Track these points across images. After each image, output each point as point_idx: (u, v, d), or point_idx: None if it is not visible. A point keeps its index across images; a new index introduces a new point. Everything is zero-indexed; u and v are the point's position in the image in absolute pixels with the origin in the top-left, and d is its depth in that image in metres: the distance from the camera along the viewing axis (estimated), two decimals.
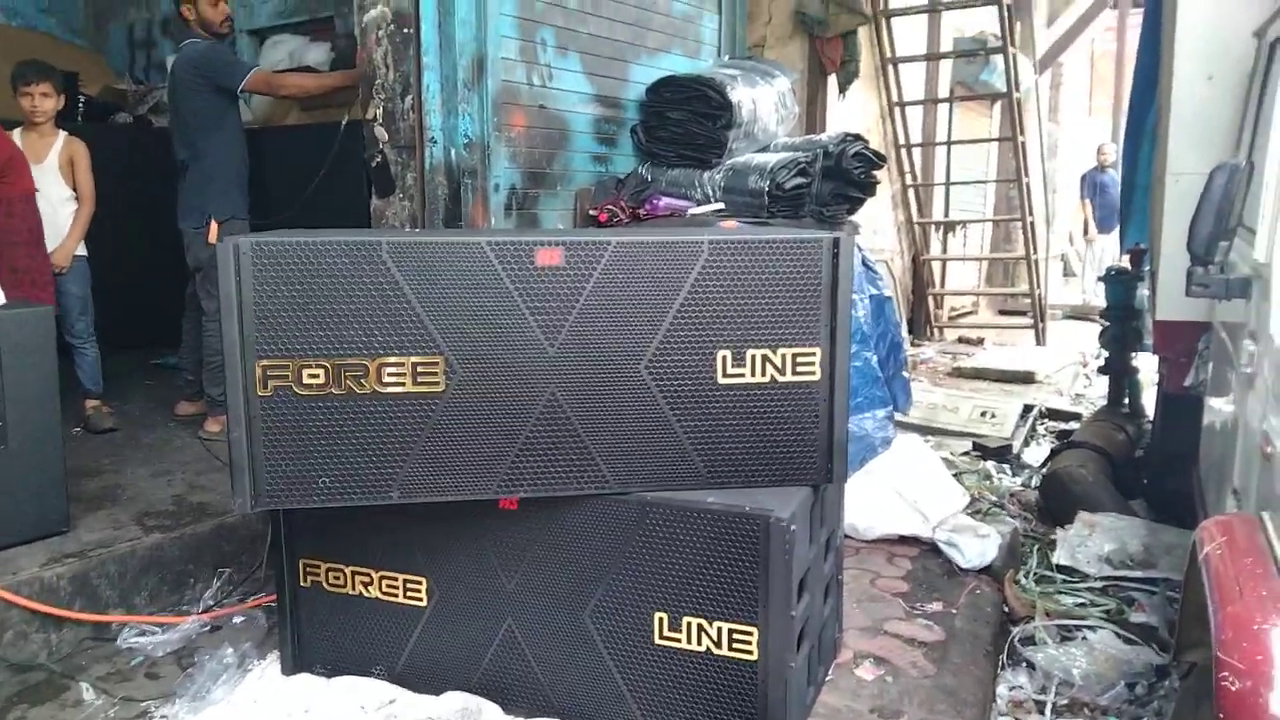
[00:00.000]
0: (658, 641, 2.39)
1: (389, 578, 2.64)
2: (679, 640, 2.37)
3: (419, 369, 2.32)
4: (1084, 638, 3.22)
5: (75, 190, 4.57)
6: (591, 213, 4.68)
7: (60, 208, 4.48)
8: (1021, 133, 8.96)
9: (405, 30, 3.89)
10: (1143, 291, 5.43)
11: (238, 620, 3.16)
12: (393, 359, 2.31)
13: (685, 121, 4.84)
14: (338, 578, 2.68)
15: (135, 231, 5.14)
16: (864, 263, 4.43)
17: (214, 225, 4.47)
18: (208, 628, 3.11)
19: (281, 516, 2.68)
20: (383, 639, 2.67)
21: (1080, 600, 3.51)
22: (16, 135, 4.38)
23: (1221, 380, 3.12)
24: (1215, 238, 2.65)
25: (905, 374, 4.94)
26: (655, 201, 4.70)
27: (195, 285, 4.69)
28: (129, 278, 5.63)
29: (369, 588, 2.66)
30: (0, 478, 3.10)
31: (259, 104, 6.54)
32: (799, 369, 2.44)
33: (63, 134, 4.59)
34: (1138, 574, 3.60)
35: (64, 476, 3.32)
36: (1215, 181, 2.63)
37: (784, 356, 2.43)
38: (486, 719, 2.45)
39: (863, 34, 7.33)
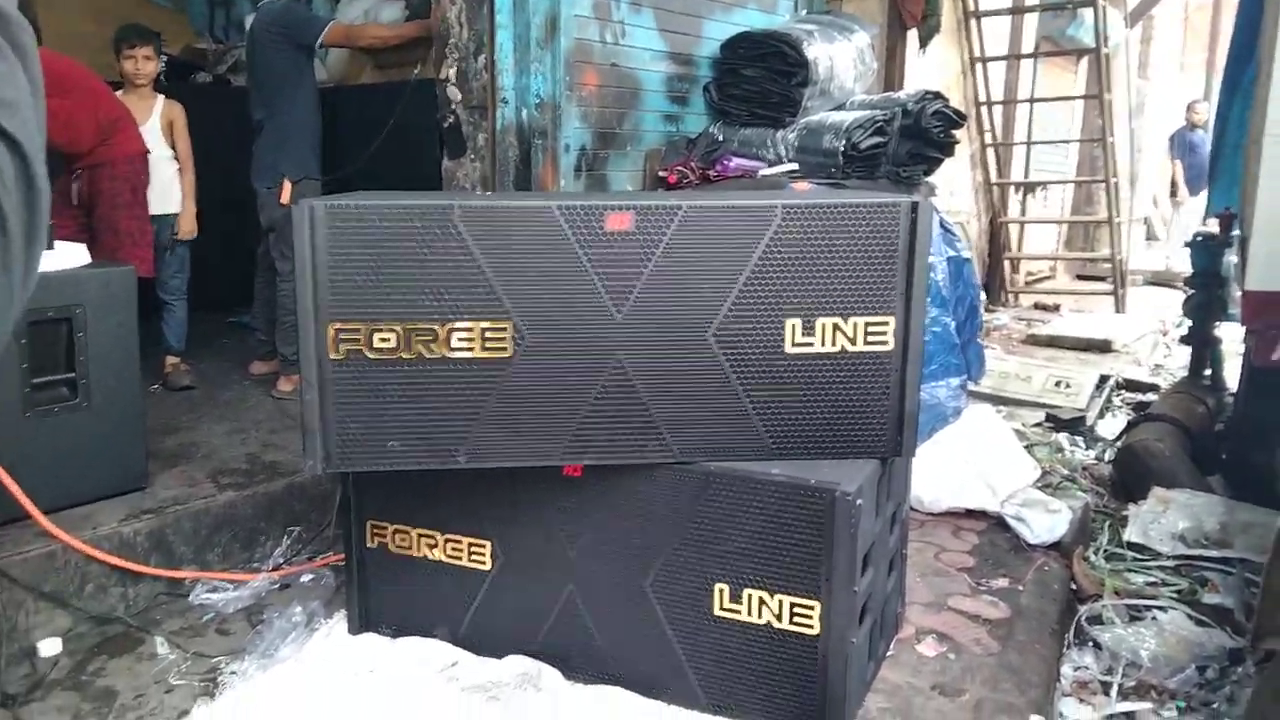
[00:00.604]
0: (718, 613, 2.39)
1: (454, 540, 2.67)
2: (739, 612, 2.37)
3: (487, 334, 2.32)
4: (1154, 618, 3.15)
5: (175, 151, 4.69)
6: (661, 174, 4.63)
7: (162, 168, 4.62)
8: (1108, 90, 8.65)
9: None
10: (1230, 259, 5.22)
11: (306, 579, 3.24)
12: (462, 324, 2.31)
13: (759, 79, 4.75)
14: (404, 539, 2.72)
15: (214, 190, 5.22)
16: (941, 224, 4.32)
17: (287, 185, 4.53)
18: (277, 585, 3.19)
19: (350, 478, 2.72)
20: (447, 601, 2.70)
21: (1151, 579, 3.42)
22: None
23: None
24: None
25: (980, 340, 4.84)
26: (726, 162, 4.64)
27: (268, 244, 4.76)
28: (207, 236, 5.74)
29: (434, 550, 2.69)
30: (82, 435, 3.20)
31: (334, 63, 6.59)
32: (871, 338, 2.39)
33: (161, 97, 4.72)
34: (1213, 553, 3.50)
35: (144, 434, 3.42)
36: None
37: (855, 325, 2.38)
38: (546, 683, 2.48)
39: None
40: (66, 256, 3.27)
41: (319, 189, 4.65)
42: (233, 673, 2.65)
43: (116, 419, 3.29)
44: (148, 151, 4.45)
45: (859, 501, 2.25)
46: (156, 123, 4.64)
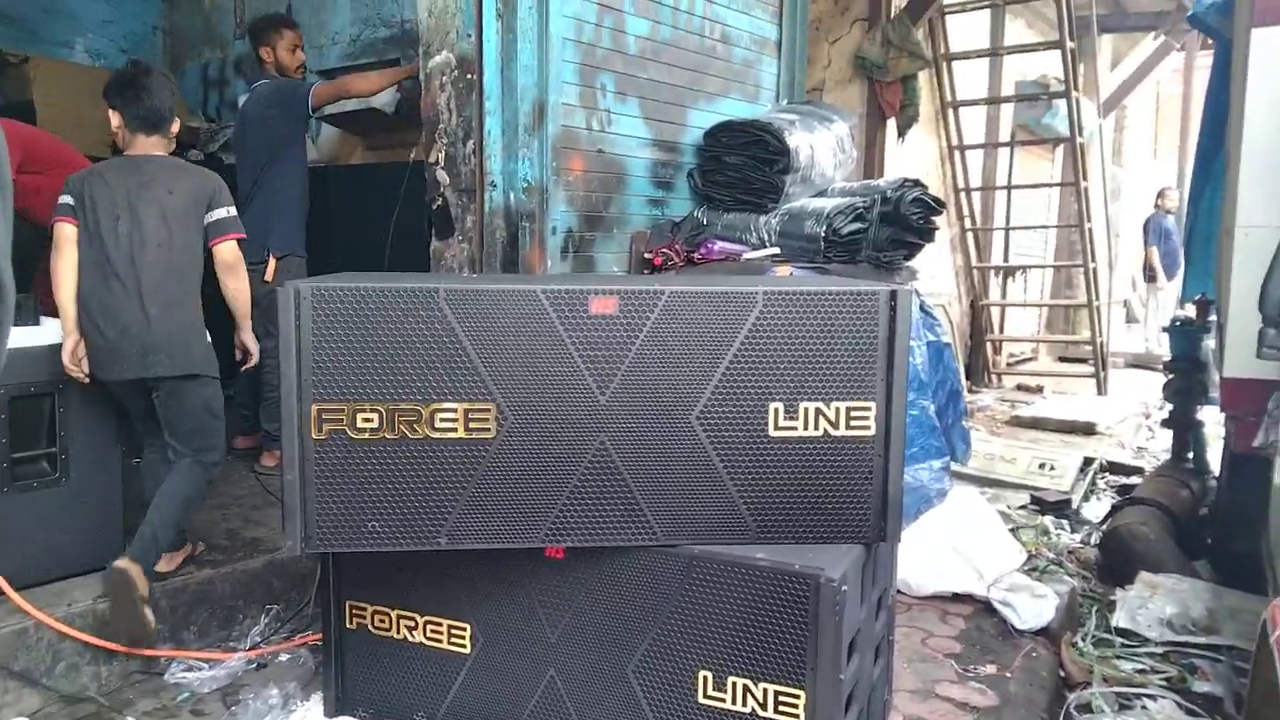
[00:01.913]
0: (701, 701, 2.36)
1: (434, 622, 2.64)
2: (723, 700, 2.33)
3: (471, 415, 2.33)
4: (1144, 707, 3.11)
5: None
6: (646, 256, 4.69)
7: None
8: (1085, 177, 8.84)
9: (469, 76, 3.96)
10: (1208, 343, 5.29)
11: (284, 658, 3.18)
12: (446, 405, 2.32)
13: (742, 166, 4.85)
14: (383, 621, 2.69)
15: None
16: (921, 308, 4.38)
17: (272, 261, 4.55)
18: (254, 665, 3.13)
19: (330, 557, 2.69)
20: (426, 684, 2.66)
21: (1140, 666, 3.39)
22: None
23: None
24: None
25: (965, 423, 4.86)
26: (710, 245, 4.71)
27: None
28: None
29: (413, 632, 2.65)
30: (58, 510, 3.16)
31: (325, 142, 6.69)
32: (853, 423, 2.40)
33: None
34: (1201, 640, 3.48)
35: (121, 510, 3.38)
36: None
37: (838, 410, 2.40)
38: None
39: (923, 78, 7.31)
40: (51, 332, 3.27)
41: (304, 266, 4.67)
42: None
43: (95, 494, 3.26)
44: None
45: (844, 587, 2.24)
46: None
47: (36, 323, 3.26)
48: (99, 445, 3.28)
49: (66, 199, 3.19)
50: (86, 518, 3.23)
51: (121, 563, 2.96)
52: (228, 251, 3.34)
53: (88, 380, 3.17)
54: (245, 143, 4.78)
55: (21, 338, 3.16)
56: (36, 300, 3.34)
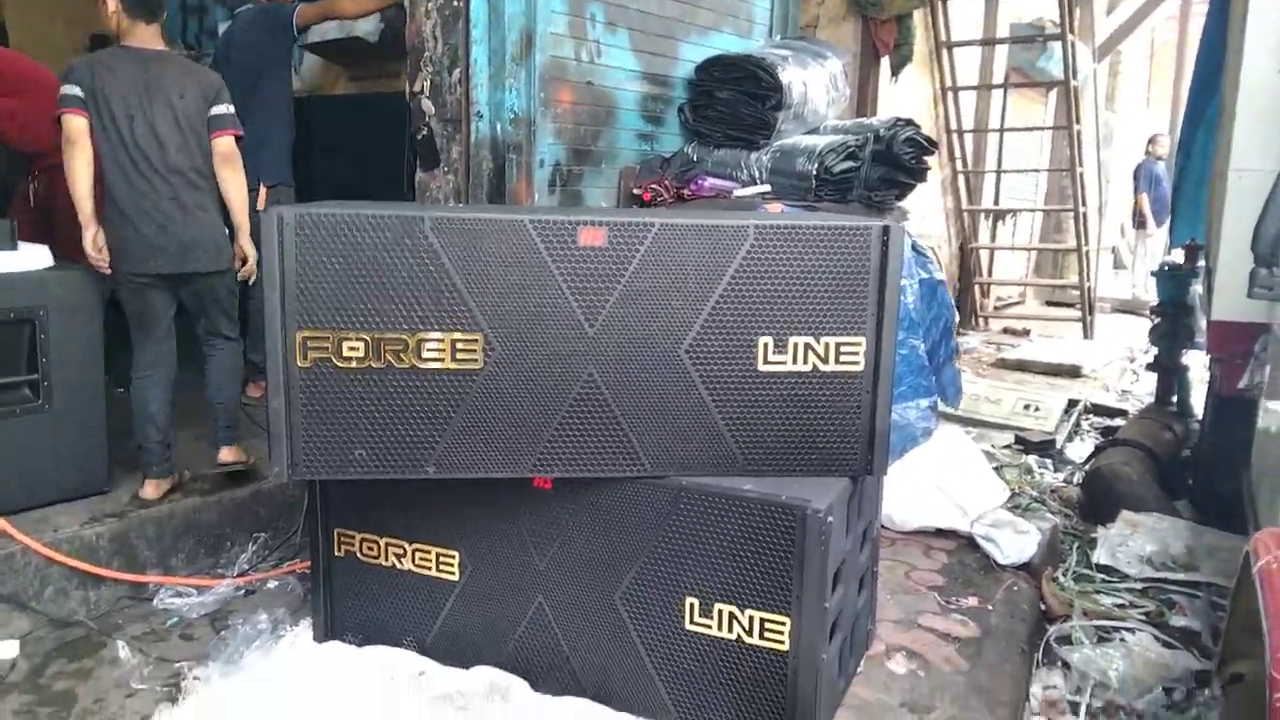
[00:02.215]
0: (688, 627, 2.38)
1: (422, 550, 2.65)
2: (710, 627, 2.36)
3: (458, 345, 2.31)
4: (1122, 639, 3.16)
5: None
6: (635, 191, 4.64)
7: None
8: (1077, 121, 8.78)
9: (455, 3, 3.87)
10: (1196, 288, 5.31)
11: (272, 585, 3.20)
12: (433, 334, 2.30)
13: (734, 101, 4.78)
14: (371, 548, 2.69)
15: None
16: (914, 247, 4.35)
17: (264, 190, 4.48)
18: (242, 592, 3.15)
19: (318, 486, 2.69)
20: (414, 611, 2.68)
21: (1119, 601, 3.44)
22: None
23: None
24: None
25: (955, 364, 4.87)
26: (700, 182, 4.66)
27: None
28: None
29: (402, 559, 2.66)
30: (42, 437, 3.15)
31: (308, 72, 6.57)
32: (842, 358, 2.40)
33: None
34: (1180, 576, 3.53)
35: (106, 437, 3.37)
36: None
37: (827, 345, 2.39)
38: (514, 695, 2.45)
39: (917, 17, 7.21)
40: (29, 258, 3.23)
41: (293, 196, 4.62)
42: (196, 678, 2.61)
43: (79, 421, 3.25)
44: None
45: (830, 519, 2.25)
46: None
47: (14, 247, 3.21)
48: (82, 371, 3.26)
49: (74, 90, 3.17)
50: (70, 444, 3.22)
51: (226, 454, 3.55)
52: (226, 144, 3.43)
53: (109, 272, 3.27)
54: (230, 69, 4.66)
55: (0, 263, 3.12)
56: (14, 224, 3.28)
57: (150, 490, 3.33)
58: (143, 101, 3.22)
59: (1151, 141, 12.01)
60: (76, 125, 3.15)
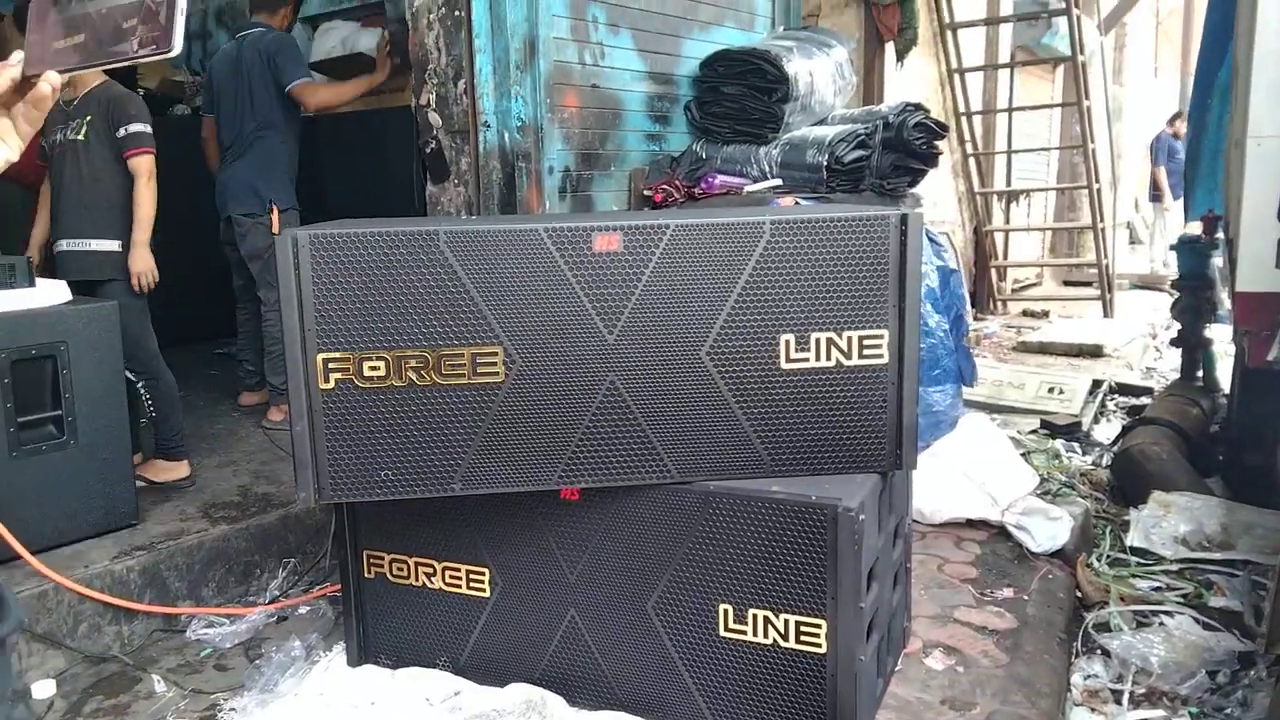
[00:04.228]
0: (723, 634, 2.35)
1: (452, 568, 2.63)
2: (745, 633, 2.33)
3: (478, 359, 2.30)
4: (1161, 623, 3.12)
5: None
6: (646, 193, 4.62)
7: None
8: (1086, 97, 8.70)
9: (457, 13, 3.86)
10: (1216, 260, 5.24)
11: (303, 610, 3.19)
12: (452, 350, 2.28)
13: (740, 96, 4.75)
14: (401, 569, 2.68)
15: (198, 221, 5.20)
16: (927, 234, 4.31)
17: (276, 213, 4.49)
18: (274, 618, 3.14)
19: (345, 508, 2.68)
20: (446, 630, 2.66)
21: (1156, 584, 3.40)
22: None
23: None
24: None
25: (966, 344, 4.82)
26: (710, 180, 4.63)
27: (245, 275, 4.72)
28: (192, 267, 5.71)
29: (432, 579, 2.65)
30: (69, 473, 3.15)
31: None
32: (866, 352, 2.36)
33: None
34: (1217, 556, 3.49)
35: (132, 470, 3.38)
36: None
37: (850, 339, 2.36)
38: (551, 711, 2.43)
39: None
40: (48, 294, 3.23)
41: (299, 220, 4.63)
42: (232, 709, 2.60)
43: (104, 455, 3.25)
44: None
45: (862, 517, 2.22)
46: None
47: (33, 284, 3.22)
48: (105, 405, 3.26)
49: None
50: (97, 478, 3.22)
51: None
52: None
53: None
54: (235, 90, 4.64)
55: (19, 300, 3.12)
56: (30, 261, 3.29)
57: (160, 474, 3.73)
58: None
59: (1171, 121, 11.88)
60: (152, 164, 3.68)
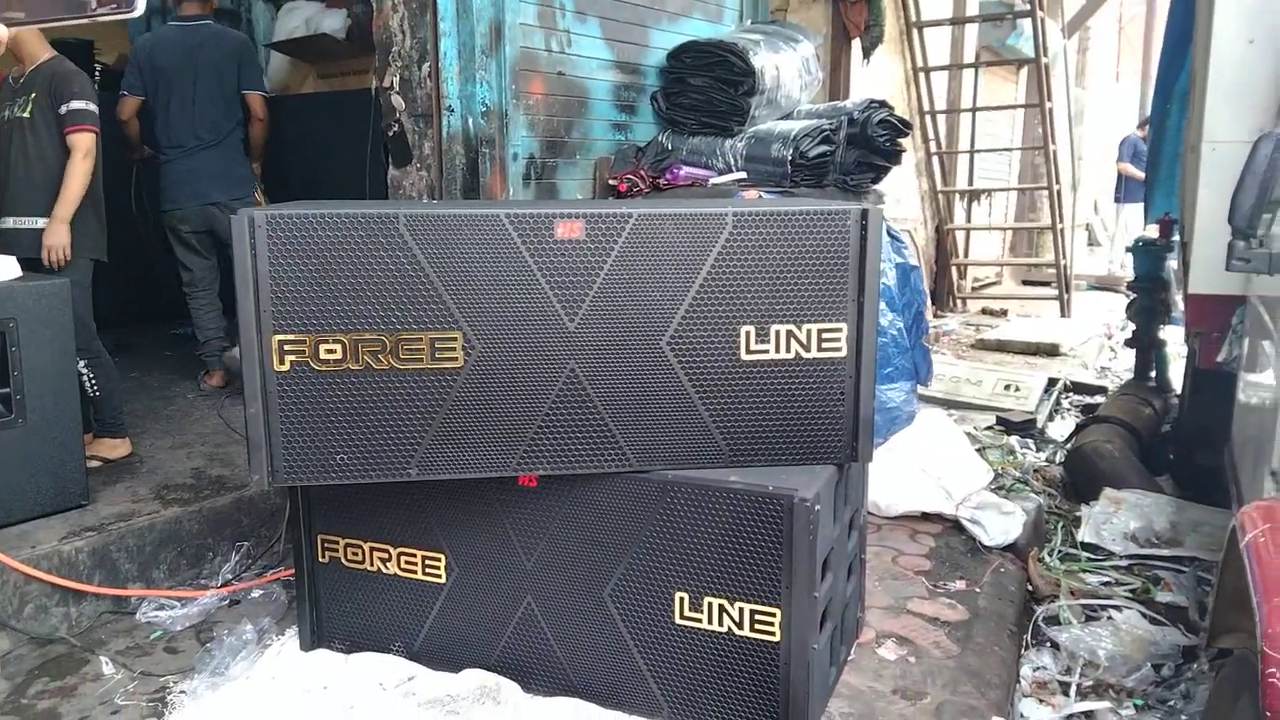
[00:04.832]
0: (678, 621, 2.36)
1: (407, 554, 2.62)
2: (700, 620, 2.34)
3: (437, 344, 2.28)
4: (1109, 617, 3.18)
5: None
6: (611, 182, 4.61)
7: None
8: (1049, 99, 8.80)
9: None
10: (1171, 263, 5.33)
11: (256, 594, 3.15)
12: (411, 334, 2.27)
13: (706, 88, 4.76)
14: (356, 553, 2.66)
15: (151, 202, 5.13)
16: (888, 231, 4.35)
17: (261, 194, 4.75)
18: (226, 602, 3.10)
19: (300, 492, 2.66)
20: (401, 615, 2.65)
21: (1105, 579, 3.46)
22: None
23: (1259, 356, 3.05)
24: (1258, 210, 2.55)
25: (925, 344, 4.88)
26: (676, 171, 4.63)
27: (203, 261, 4.78)
28: (148, 249, 5.62)
29: (387, 564, 2.63)
30: (18, 452, 3.09)
31: (276, 72, 6.49)
32: (824, 345, 2.38)
33: None
34: (1165, 552, 3.55)
35: (82, 450, 3.32)
36: (1260, 152, 2.53)
37: (809, 332, 2.37)
38: (505, 697, 2.43)
39: None
40: None
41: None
42: (182, 692, 2.57)
43: (54, 434, 3.19)
44: None
45: (817, 507, 2.24)
46: None
47: None
48: (56, 383, 3.20)
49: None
50: (46, 458, 3.16)
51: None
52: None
53: None
54: (196, 83, 4.64)
55: None
56: None
57: (109, 449, 3.75)
58: None
59: (1141, 126, 12.05)
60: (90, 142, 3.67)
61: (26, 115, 3.60)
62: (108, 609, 3.03)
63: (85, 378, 3.56)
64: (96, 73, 5.65)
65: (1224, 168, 3.43)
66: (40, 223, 3.59)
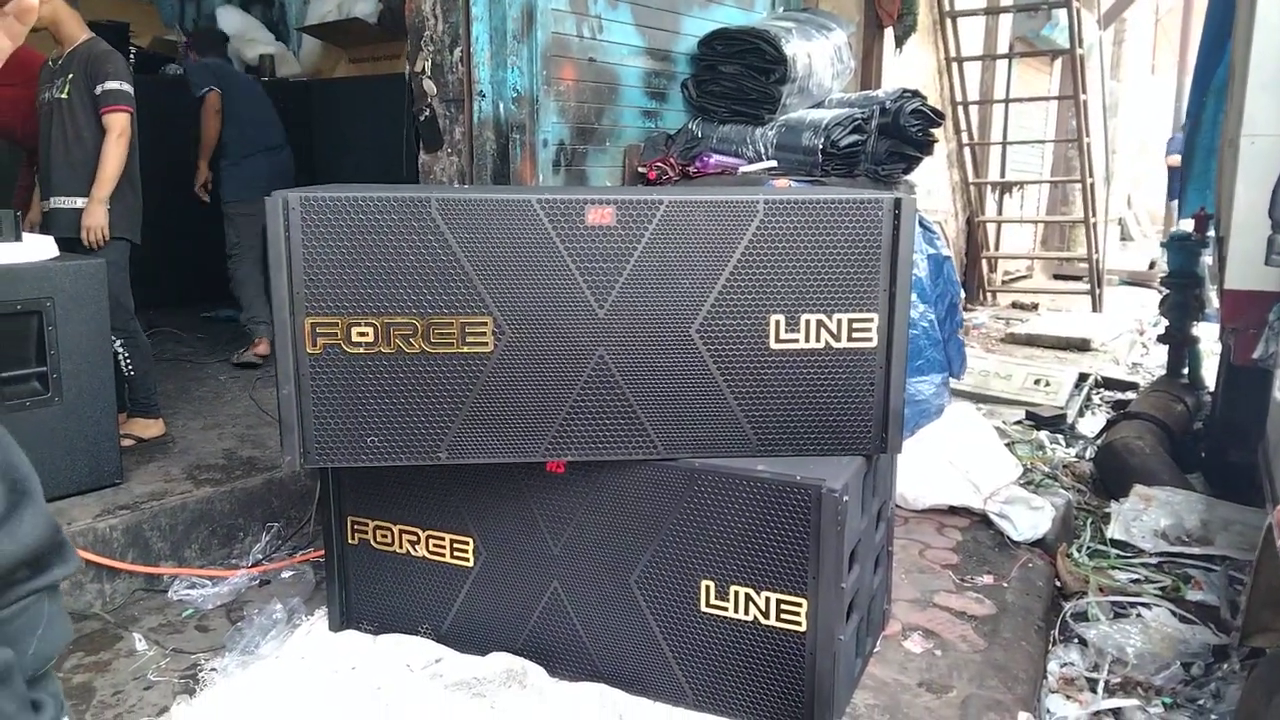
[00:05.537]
0: (704, 609, 2.36)
1: (436, 537, 2.63)
2: (726, 609, 2.34)
3: (467, 329, 2.29)
4: (1138, 615, 3.15)
5: None
6: (640, 170, 4.60)
7: None
8: (1083, 91, 8.69)
9: None
10: (1205, 258, 5.26)
11: (286, 575, 3.18)
12: (442, 318, 2.27)
13: (738, 76, 4.73)
14: (385, 536, 2.68)
15: (189, 185, 5.19)
16: (921, 222, 4.31)
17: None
18: (256, 581, 3.14)
19: (330, 474, 2.68)
20: (429, 598, 2.67)
21: (1135, 576, 3.43)
22: None
23: None
24: None
25: (960, 337, 4.84)
26: (705, 159, 4.62)
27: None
28: (182, 232, 5.67)
29: (416, 547, 2.65)
30: (54, 430, 3.13)
31: (306, 56, 6.52)
32: (855, 335, 2.37)
33: None
34: (1195, 550, 3.51)
35: (117, 429, 3.36)
36: None
37: (840, 322, 2.36)
38: (531, 681, 2.44)
39: None
40: (34, 249, 3.20)
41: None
42: (213, 670, 2.60)
43: (89, 413, 3.23)
44: None
45: (846, 498, 2.23)
46: None
47: (19, 239, 3.19)
48: (91, 362, 3.24)
49: None
50: (81, 436, 3.20)
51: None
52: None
53: None
54: (266, 108, 5.31)
55: (4, 254, 3.10)
56: (18, 215, 3.26)
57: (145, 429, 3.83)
58: None
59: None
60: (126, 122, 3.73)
61: (64, 96, 3.64)
62: (140, 586, 3.07)
63: (121, 357, 3.61)
64: (131, 55, 5.71)
65: (1264, 161, 3.39)
66: (80, 203, 3.63)
